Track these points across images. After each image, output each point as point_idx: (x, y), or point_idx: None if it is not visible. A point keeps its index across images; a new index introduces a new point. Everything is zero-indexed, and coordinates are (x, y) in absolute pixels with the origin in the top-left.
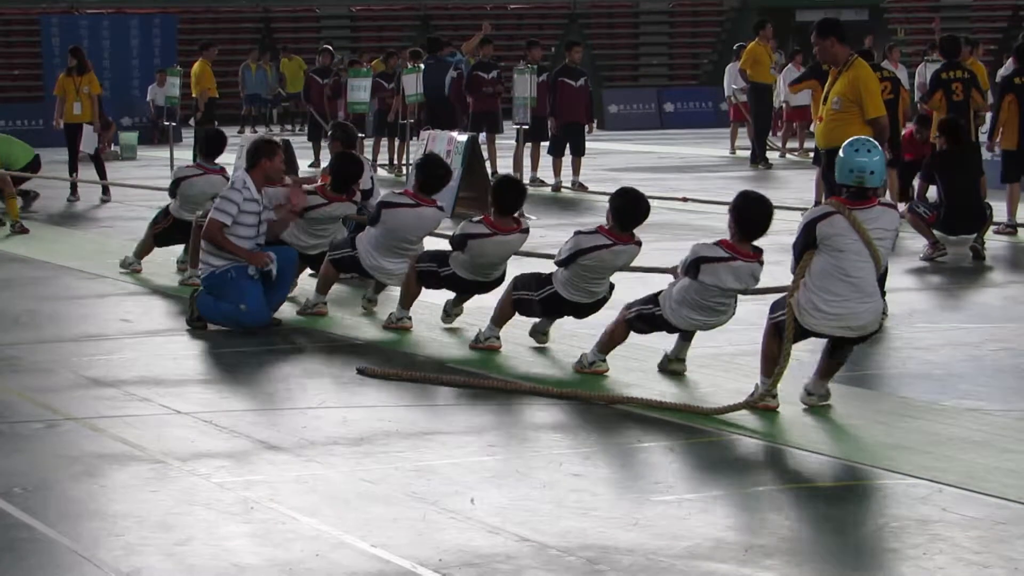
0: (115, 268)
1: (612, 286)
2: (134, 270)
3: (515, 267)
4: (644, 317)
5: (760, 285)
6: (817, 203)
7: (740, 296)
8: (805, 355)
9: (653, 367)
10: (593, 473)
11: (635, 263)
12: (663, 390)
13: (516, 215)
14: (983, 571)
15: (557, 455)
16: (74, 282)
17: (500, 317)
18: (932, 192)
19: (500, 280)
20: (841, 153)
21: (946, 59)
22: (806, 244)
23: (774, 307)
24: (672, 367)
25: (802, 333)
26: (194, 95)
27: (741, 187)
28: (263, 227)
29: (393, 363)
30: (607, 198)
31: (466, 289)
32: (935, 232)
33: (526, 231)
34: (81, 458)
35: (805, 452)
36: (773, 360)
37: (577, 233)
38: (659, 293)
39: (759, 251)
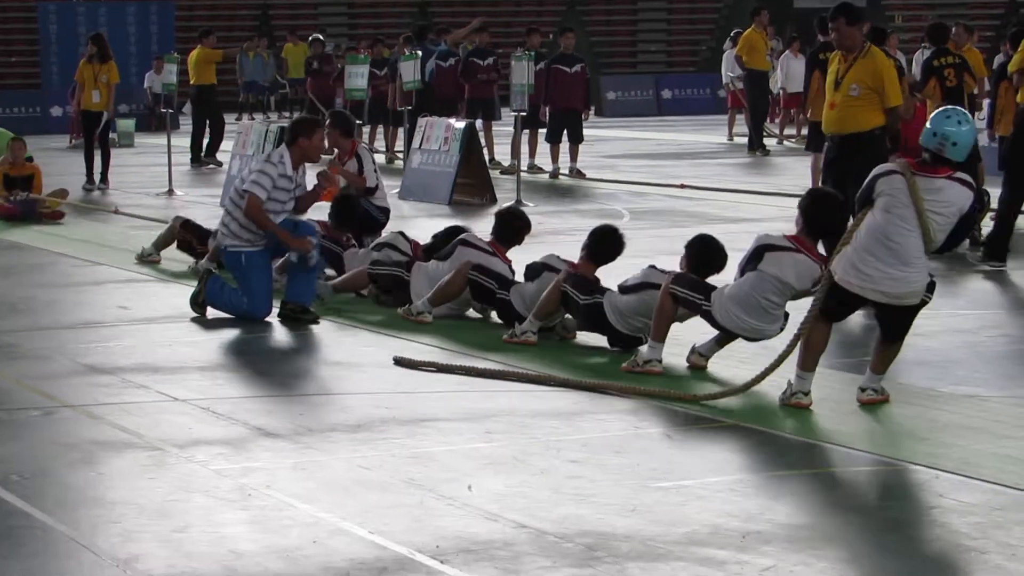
0: (113, 255)
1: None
2: (152, 260)
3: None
4: (690, 304)
5: None
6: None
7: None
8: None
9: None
10: (591, 460)
11: (629, 278)
12: (666, 381)
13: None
14: (980, 557)
15: (555, 442)
16: (71, 269)
17: (541, 312)
18: None
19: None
20: (931, 119)
21: (934, 46)
22: (865, 197)
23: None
24: (692, 359)
25: (843, 301)
26: (192, 83)
27: (739, 174)
28: (291, 204)
29: (396, 352)
30: (605, 184)
31: (512, 318)
32: None
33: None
34: (78, 445)
35: (801, 439)
36: (813, 351)
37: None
38: (713, 287)
39: (824, 257)
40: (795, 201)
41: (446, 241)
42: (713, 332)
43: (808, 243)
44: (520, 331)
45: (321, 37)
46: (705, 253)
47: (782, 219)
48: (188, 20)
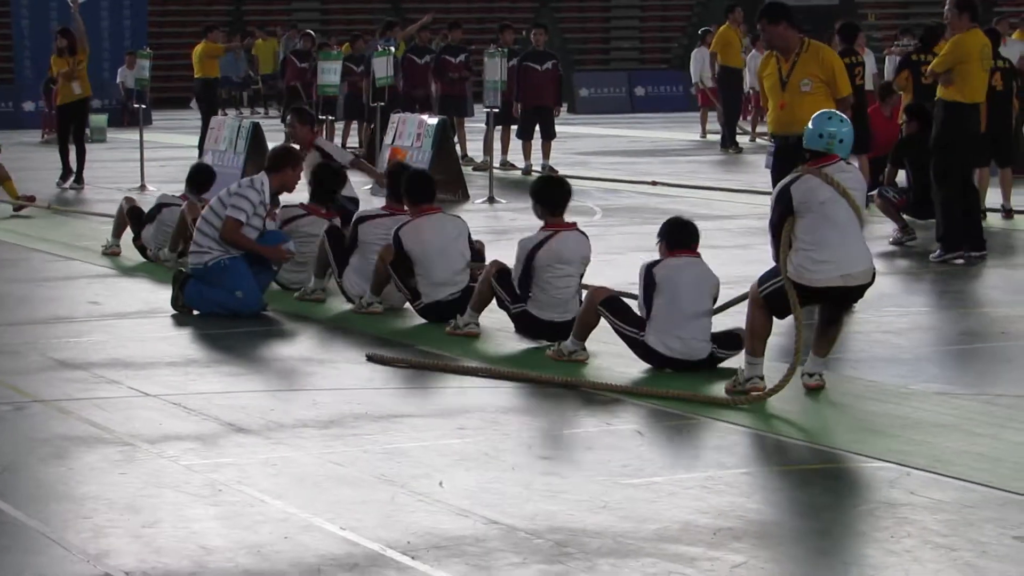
0: (84, 251)
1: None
2: (113, 252)
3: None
4: (622, 332)
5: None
6: None
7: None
8: (780, 339)
9: (610, 351)
10: (562, 456)
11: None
12: (634, 376)
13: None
14: (950, 554)
15: (526, 438)
16: (43, 264)
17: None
18: (901, 176)
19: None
20: (811, 122)
21: (926, 49)
22: (783, 212)
23: (762, 279)
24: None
25: (804, 299)
26: (196, 76)
27: (711, 171)
28: (261, 228)
29: (369, 349)
30: (577, 181)
31: (533, 328)
32: (904, 216)
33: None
34: (50, 440)
35: (773, 435)
36: (759, 337)
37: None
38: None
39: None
40: (767, 199)
41: (321, 182)
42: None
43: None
44: (463, 323)
45: (312, 32)
46: (677, 231)
47: (754, 216)
48: (161, 15)
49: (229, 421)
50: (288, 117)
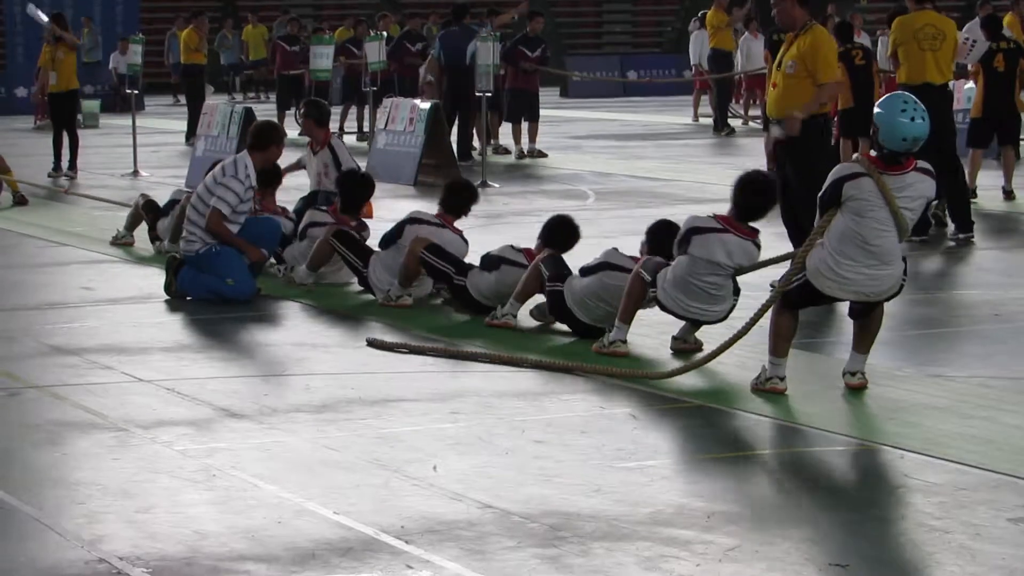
0: (78, 237)
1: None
2: (126, 243)
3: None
4: (646, 290)
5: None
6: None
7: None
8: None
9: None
10: (555, 440)
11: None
12: (630, 361)
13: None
14: (944, 536)
15: (520, 422)
16: (36, 250)
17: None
18: None
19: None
20: (888, 115)
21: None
22: (831, 200)
23: (784, 278)
24: (675, 344)
25: (813, 298)
26: (183, 62)
27: (704, 155)
28: (249, 212)
29: (363, 333)
30: (569, 166)
31: (468, 305)
32: None
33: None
34: (43, 426)
35: (766, 419)
36: (784, 338)
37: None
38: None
39: (755, 231)
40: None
41: (350, 192)
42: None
43: (737, 223)
44: (501, 314)
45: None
46: (666, 237)
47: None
48: (153, 1)
49: (222, 406)
50: (303, 110)
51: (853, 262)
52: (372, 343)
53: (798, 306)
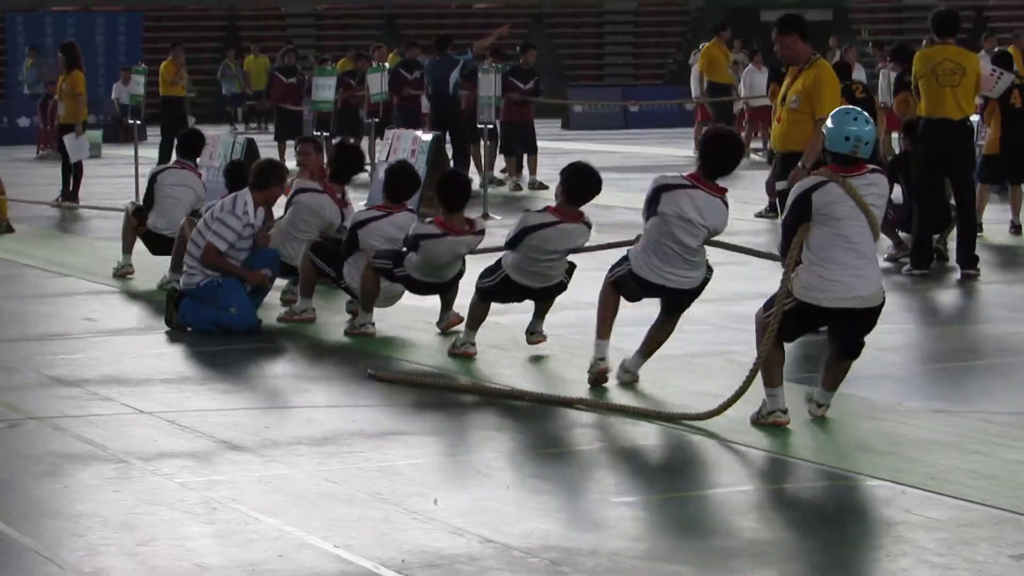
0: (79, 268)
1: (571, 269)
2: (126, 273)
3: (477, 266)
4: (619, 280)
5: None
6: (771, 206)
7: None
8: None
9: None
10: (555, 474)
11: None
12: (632, 395)
13: (472, 216)
14: (947, 573)
15: (520, 456)
16: (38, 281)
17: (473, 321)
18: (897, 193)
19: (456, 280)
20: (832, 121)
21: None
22: (799, 217)
23: (768, 306)
24: (622, 377)
25: (805, 322)
26: (161, 94)
27: None
28: (250, 248)
29: (363, 366)
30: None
31: (420, 290)
32: (900, 233)
33: (480, 232)
34: (44, 457)
35: (767, 453)
36: (774, 364)
37: (525, 211)
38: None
39: (723, 189)
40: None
41: (341, 160)
42: (636, 344)
43: (705, 180)
44: (460, 343)
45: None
46: (578, 179)
47: (748, 233)
48: (156, 31)
49: (223, 438)
50: (300, 145)
51: (837, 265)
52: (374, 375)
53: (791, 338)
